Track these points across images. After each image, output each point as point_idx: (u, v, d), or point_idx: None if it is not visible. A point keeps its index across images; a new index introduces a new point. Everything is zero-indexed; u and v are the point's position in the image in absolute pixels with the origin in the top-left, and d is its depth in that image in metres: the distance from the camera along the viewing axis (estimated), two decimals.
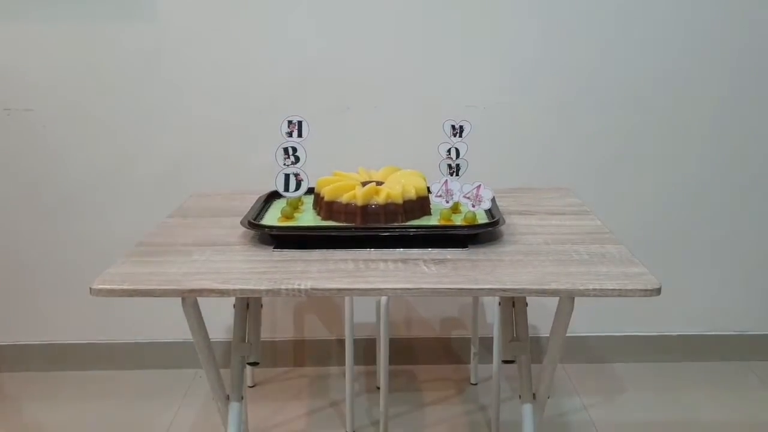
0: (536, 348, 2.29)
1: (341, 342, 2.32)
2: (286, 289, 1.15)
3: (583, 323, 2.29)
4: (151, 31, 2.03)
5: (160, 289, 1.16)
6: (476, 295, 1.20)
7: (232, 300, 1.68)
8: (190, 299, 1.25)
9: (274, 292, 1.15)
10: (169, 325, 2.26)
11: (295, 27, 2.03)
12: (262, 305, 1.67)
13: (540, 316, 2.25)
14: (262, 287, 1.16)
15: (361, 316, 2.23)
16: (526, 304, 1.60)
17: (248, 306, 1.59)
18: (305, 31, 2.03)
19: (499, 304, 1.62)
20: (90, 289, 1.15)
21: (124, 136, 2.11)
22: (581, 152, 2.14)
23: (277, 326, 2.32)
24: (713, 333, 2.33)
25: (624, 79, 2.07)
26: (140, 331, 2.30)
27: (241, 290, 1.16)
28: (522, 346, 1.56)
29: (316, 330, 2.32)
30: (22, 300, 2.26)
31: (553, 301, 1.35)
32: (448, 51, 2.05)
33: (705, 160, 2.15)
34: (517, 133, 2.12)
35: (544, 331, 2.31)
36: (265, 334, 2.30)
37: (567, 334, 1.39)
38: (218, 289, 1.15)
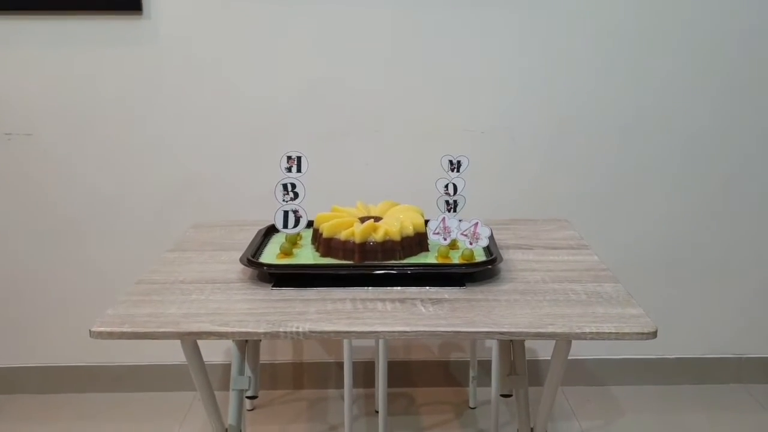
0: (534, 371, 2.30)
1: (340, 365, 2.32)
2: (285, 332, 1.16)
3: (582, 346, 2.30)
4: (152, 56, 2.04)
5: (159, 332, 1.16)
6: (473, 338, 1.21)
7: None
8: (189, 340, 1.26)
9: (273, 335, 1.16)
10: (167, 347, 2.26)
11: (294, 54, 2.04)
12: (261, 338, 1.68)
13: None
14: (261, 330, 1.16)
15: (360, 338, 2.23)
16: (524, 348, 1.61)
17: (247, 340, 1.60)
18: (305, 58, 2.04)
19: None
20: (90, 331, 1.16)
21: (125, 161, 2.11)
22: (579, 176, 2.14)
23: (276, 349, 2.32)
24: (712, 356, 2.34)
25: (622, 108, 2.08)
26: (139, 354, 2.30)
27: (240, 333, 1.17)
28: (520, 380, 1.56)
29: (315, 353, 2.33)
30: (19, 322, 2.26)
31: None
32: (446, 76, 2.06)
33: (701, 185, 2.16)
34: (515, 158, 2.12)
35: (543, 354, 2.31)
36: (265, 357, 2.31)
37: None
38: (217, 332, 1.16)
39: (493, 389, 1.65)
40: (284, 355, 2.33)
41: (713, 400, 2.26)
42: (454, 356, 2.34)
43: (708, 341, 2.33)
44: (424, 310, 1.21)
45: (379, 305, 1.24)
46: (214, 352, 2.25)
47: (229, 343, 2.25)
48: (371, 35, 2.03)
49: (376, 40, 2.03)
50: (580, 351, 2.30)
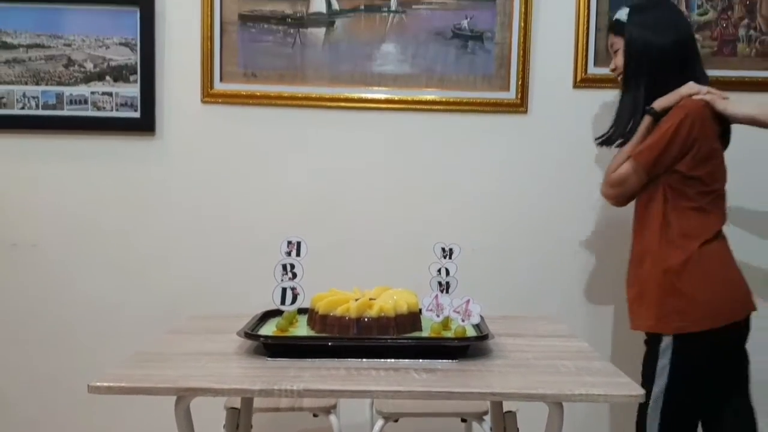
0: None
1: None
2: (279, 390, 1.18)
3: None
4: (157, 173, 2.15)
5: (156, 387, 1.18)
6: (466, 398, 1.21)
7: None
8: (182, 404, 1.27)
9: (267, 392, 1.18)
10: None
11: (295, 175, 2.16)
12: (252, 426, 1.67)
13: None
14: (256, 387, 1.18)
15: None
16: (518, 430, 1.60)
17: (238, 426, 1.59)
18: (305, 178, 2.16)
19: (491, 429, 1.61)
20: (88, 386, 1.18)
21: (129, 272, 2.17)
22: (565, 293, 2.19)
23: None
24: None
25: (608, 220, 2.17)
26: None
27: (236, 390, 1.19)
28: None
29: None
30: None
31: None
32: (439, 197, 2.19)
33: None
34: (504, 275, 2.19)
35: None
36: None
37: None
38: (213, 389, 1.18)
39: None
40: None
41: None
42: None
43: None
44: (417, 377, 1.24)
45: (373, 372, 1.26)
46: None
47: None
48: (368, 159, 2.17)
49: (373, 164, 2.18)
50: None
